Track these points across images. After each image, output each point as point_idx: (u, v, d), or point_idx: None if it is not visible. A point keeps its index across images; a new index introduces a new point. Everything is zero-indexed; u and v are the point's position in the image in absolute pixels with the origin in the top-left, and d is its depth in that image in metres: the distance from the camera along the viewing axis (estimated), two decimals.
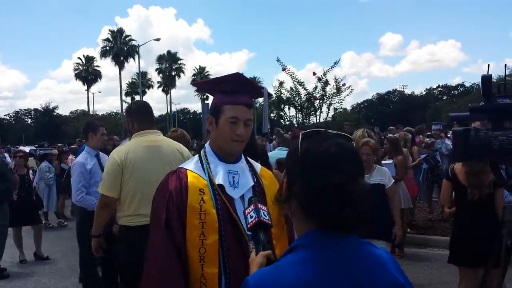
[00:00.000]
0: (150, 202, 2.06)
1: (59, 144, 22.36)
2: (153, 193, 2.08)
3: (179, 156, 3.62)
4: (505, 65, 2.31)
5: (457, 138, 2.32)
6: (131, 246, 3.44)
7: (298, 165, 1.24)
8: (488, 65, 2.22)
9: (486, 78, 2.24)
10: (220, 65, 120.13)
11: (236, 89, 2.06)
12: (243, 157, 2.18)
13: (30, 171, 8.39)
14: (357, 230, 1.20)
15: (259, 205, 1.61)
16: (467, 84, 64.76)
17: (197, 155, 2.18)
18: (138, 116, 3.81)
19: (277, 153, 6.08)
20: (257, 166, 2.24)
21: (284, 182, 1.30)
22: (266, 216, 1.59)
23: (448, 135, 11.31)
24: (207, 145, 2.17)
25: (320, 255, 1.17)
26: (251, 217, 1.58)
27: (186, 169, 2.07)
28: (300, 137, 1.27)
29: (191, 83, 29.53)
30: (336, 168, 1.17)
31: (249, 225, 1.58)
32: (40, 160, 11.45)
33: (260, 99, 13.31)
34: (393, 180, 4.99)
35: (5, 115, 78.43)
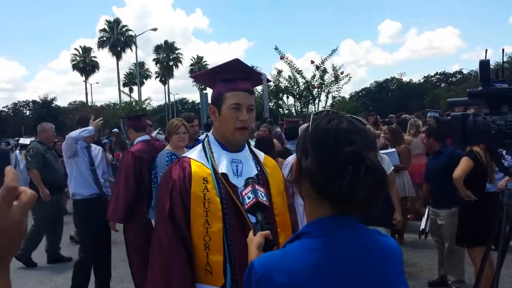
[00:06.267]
0: None
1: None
2: None
3: None
4: (503, 50, 2.35)
5: (455, 123, 2.33)
6: None
7: (308, 140, 1.21)
8: (486, 50, 2.25)
9: (484, 63, 2.25)
10: (219, 55, 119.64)
11: (236, 75, 2.06)
12: (246, 146, 2.18)
13: None
14: (369, 208, 1.16)
15: (256, 186, 1.61)
16: (465, 71, 64.55)
17: (200, 144, 2.18)
18: None
19: None
20: (261, 154, 2.24)
21: (294, 161, 1.28)
22: (263, 197, 1.59)
23: None
24: (210, 134, 2.17)
25: (329, 243, 1.17)
26: (249, 198, 1.58)
27: (190, 158, 2.08)
28: (311, 117, 1.26)
29: (189, 76, 29.03)
30: (347, 140, 1.14)
31: (246, 206, 1.59)
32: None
33: (259, 88, 13.32)
34: (392, 167, 5.03)
35: (3, 107, 78.32)
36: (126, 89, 63.66)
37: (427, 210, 5.59)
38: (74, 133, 4.84)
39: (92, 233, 5.10)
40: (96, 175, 5.11)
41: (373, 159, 1.13)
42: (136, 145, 4.87)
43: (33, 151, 6.71)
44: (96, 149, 5.29)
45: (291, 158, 4.50)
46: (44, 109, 68.29)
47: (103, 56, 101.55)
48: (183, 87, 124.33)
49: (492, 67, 2.78)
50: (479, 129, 2.26)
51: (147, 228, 4.40)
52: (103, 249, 5.32)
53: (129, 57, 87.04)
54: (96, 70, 67.50)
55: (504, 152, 4.19)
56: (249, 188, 1.61)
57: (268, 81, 13.08)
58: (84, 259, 5.24)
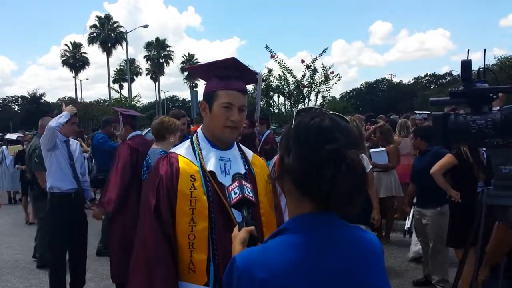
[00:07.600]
0: None
1: None
2: None
3: None
4: (484, 50, 2.37)
5: (436, 122, 2.35)
6: None
7: (290, 137, 1.21)
8: (468, 50, 2.27)
9: (466, 63, 2.27)
10: (211, 53, 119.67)
11: (231, 74, 2.03)
12: (235, 144, 2.16)
13: None
14: (350, 206, 1.17)
15: (243, 182, 1.60)
16: (455, 73, 65.07)
17: (189, 140, 2.16)
18: None
19: None
20: (249, 153, 2.22)
21: (277, 158, 1.28)
22: (250, 193, 1.57)
23: None
24: (199, 130, 2.14)
25: (310, 239, 1.17)
26: (235, 193, 1.57)
27: (178, 154, 2.06)
28: (295, 113, 1.27)
29: (185, 68, 28.21)
30: (328, 138, 1.15)
31: (232, 202, 1.57)
32: None
33: (250, 86, 13.28)
34: (371, 166, 5.12)
35: None
36: (116, 86, 63.53)
37: (412, 210, 5.63)
38: (52, 123, 4.75)
39: (65, 231, 4.89)
40: (75, 169, 5.02)
41: (354, 157, 1.14)
42: (130, 139, 4.91)
43: (39, 152, 5.91)
44: (74, 143, 5.23)
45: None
46: (33, 104, 67.68)
47: (93, 52, 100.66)
48: (174, 84, 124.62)
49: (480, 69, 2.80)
50: (459, 129, 2.28)
51: (136, 221, 4.35)
52: (79, 247, 5.13)
53: (119, 54, 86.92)
54: (86, 66, 67.33)
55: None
56: (236, 183, 1.60)
57: (263, 80, 13.02)
58: (54, 260, 5.04)
